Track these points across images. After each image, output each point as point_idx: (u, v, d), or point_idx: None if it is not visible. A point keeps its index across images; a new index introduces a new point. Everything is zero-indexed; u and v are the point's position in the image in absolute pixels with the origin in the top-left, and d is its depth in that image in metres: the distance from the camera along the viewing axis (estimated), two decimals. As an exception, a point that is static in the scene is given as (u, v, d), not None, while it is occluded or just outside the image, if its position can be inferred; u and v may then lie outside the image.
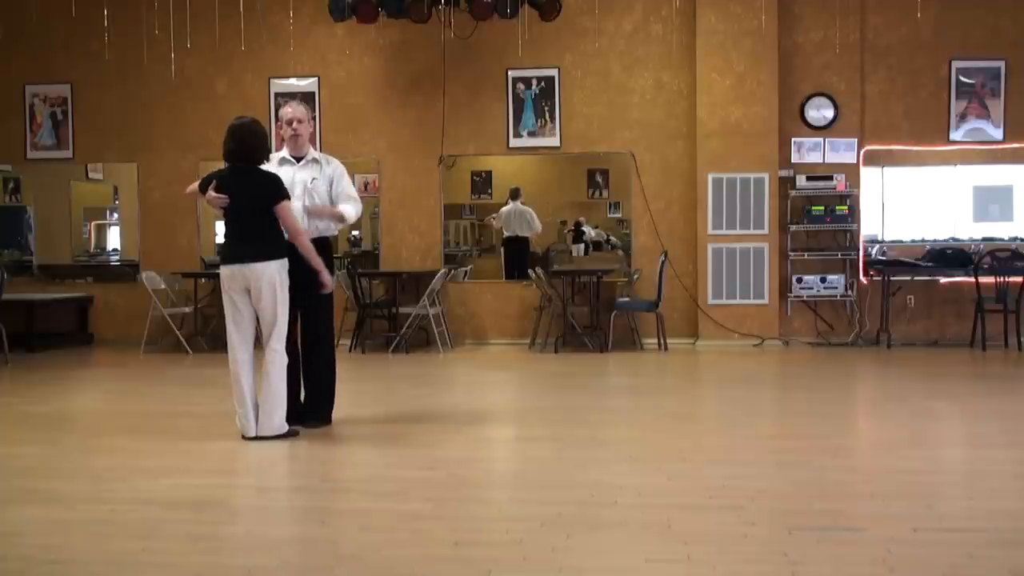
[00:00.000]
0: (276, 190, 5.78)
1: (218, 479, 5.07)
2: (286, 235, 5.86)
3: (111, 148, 11.59)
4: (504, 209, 12.39)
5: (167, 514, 4.33)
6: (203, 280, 10.75)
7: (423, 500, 4.50)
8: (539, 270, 10.53)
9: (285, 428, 5.82)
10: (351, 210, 6.17)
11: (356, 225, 12.27)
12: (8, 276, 10.31)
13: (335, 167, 6.23)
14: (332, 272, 6.42)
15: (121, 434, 6.19)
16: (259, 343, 5.87)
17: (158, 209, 11.47)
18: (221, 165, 5.89)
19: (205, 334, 10.67)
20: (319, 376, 6.18)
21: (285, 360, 5.83)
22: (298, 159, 6.20)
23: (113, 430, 6.42)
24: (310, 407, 6.16)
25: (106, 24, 10.62)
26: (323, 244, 6.18)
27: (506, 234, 12.45)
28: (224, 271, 5.79)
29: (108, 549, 3.87)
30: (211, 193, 5.78)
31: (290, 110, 6.22)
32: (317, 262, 5.91)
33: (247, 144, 5.75)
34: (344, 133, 11.16)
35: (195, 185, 5.98)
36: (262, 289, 5.71)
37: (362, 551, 3.82)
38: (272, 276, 5.72)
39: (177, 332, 10.43)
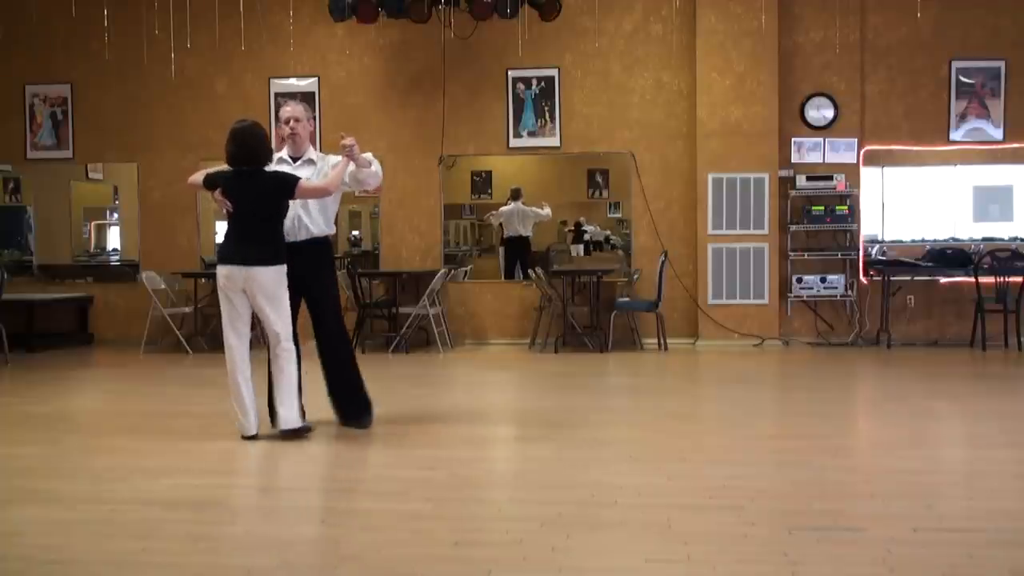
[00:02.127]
0: (283, 185, 5.78)
1: (218, 479, 5.07)
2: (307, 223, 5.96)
3: (111, 148, 11.59)
4: (505, 208, 12.41)
5: (167, 514, 4.33)
6: (203, 280, 10.73)
7: (423, 500, 4.50)
8: (539, 270, 10.53)
9: (300, 423, 5.82)
10: (376, 163, 6.12)
11: (356, 225, 12.29)
12: (8, 276, 10.31)
13: (332, 159, 6.14)
14: (332, 273, 6.39)
15: (121, 434, 6.19)
16: (259, 343, 5.87)
17: (158, 209, 11.47)
18: (221, 164, 5.89)
19: (205, 334, 10.67)
20: (345, 373, 6.14)
21: (295, 352, 5.83)
22: (296, 159, 6.18)
23: (113, 430, 6.42)
24: (347, 406, 6.15)
25: (106, 24, 10.62)
26: (323, 243, 6.16)
27: (506, 234, 12.46)
28: (222, 271, 5.78)
29: (108, 549, 3.87)
30: (218, 195, 5.79)
31: (288, 109, 6.20)
32: (360, 160, 5.94)
33: (248, 147, 5.75)
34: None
35: (198, 177, 5.96)
36: (259, 294, 5.70)
37: (362, 551, 3.82)
38: (270, 281, 5.71)
39: (177, 332, 10.43)
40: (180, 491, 4.73)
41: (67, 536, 4.05)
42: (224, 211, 5.84)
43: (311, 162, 6.18)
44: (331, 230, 6.24)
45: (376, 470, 5.31)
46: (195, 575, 3.56)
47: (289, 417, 5.77)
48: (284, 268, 5.79)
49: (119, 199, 12.30)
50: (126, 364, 9.78)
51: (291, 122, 6.11)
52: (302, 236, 6.04)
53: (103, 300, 11.59)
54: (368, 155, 6.13)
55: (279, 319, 5.77)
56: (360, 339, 10.44)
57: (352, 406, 6.17)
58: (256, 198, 5.75)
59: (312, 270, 6.05)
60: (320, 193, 5.92)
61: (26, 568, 3.66)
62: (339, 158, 6.05)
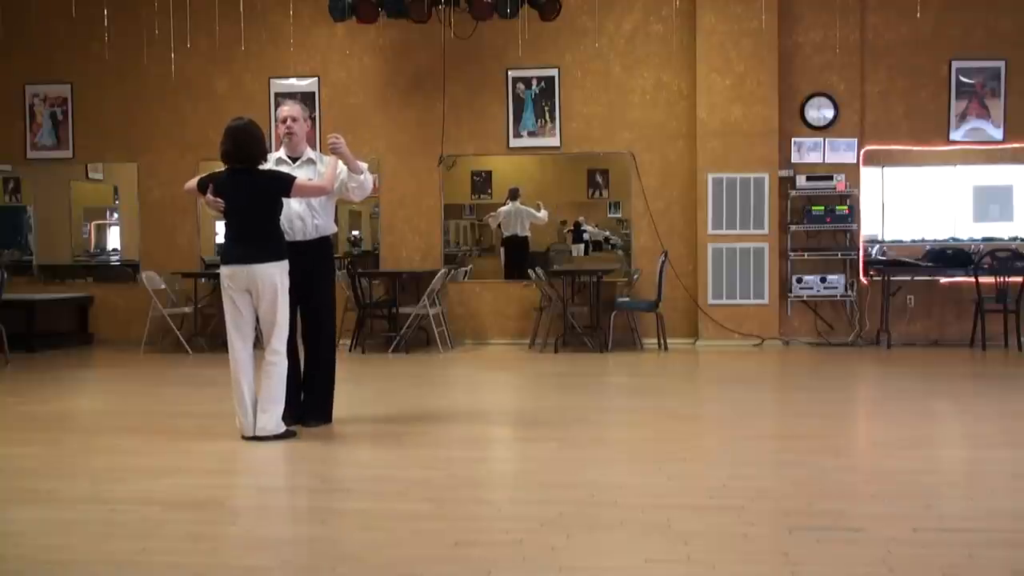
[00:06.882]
0: (280, 183, 5.78)
1: (218, 479, 5.08)
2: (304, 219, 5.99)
3: (111, 148, 11.59)
4: (503, 209, 12.40)
5: (167, 514, 4.33)
6: (203, 280, 10.75)
7: (423, 500, 4.50)
8: (539, 270, 10.53)
9: (282, 428, 5.82)
10: (368, 174, 6.14)
11: (356, 225, 12.29)
12: (8, 276, 10.30)
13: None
14: (332, 272, 6.40)
15: (121, 434, 6.19)
16: (259, 343, 5.87)
17: (158, 209, 11.47)
18: (221, 165, 5.89)
19: (205, 334, 10.66)
20: (321, 374, 6.17)
21: (285, 362, 5.83)
22: (294, 159, 6.18)
23: (113, 430, 6.41)
24: (310, 406, 6.16)
25: (106, 24, 10.63)
26: (324, 243, 6.17)
27: (505, 234, 12.46)
28: (225, 271, 5.79)
29: (108, 549, 3.87)
30: (209, 196, 5.80)
31: (286, 108, 6.21)
32: (352, 163, 5.99)
33: (243, 145, 5.74)
34: (344, 133, 11.03)
35: (193, 182, 5.99)
36: (263, 291, 5.71)
37: (362, 551, 3.82)
38: (273, 278, 5.72)
39: (177, 332, 10.43)
40: (180, 491, 4.73)
41: (67, 536, 4.04)
42: (219, 212, 5.84)
43: (311, 162, 6.19)
44: (334, 229, 6.27)
45: (376, 470, 5.30)
46: (195, 575, 3.56)
47: (267, 426, 5.76)
48: (286, 264, 5.79)
49: (119, 199, 12.30)
50: (126, 364, 9.77)
51: (288, 121, 6.12)
52: (310, 235, 6.06)
53: (103, 300, 11.58)
54: (363, 164, 6.14)
55: (277, 325, 5.76)
56: (360, 339, 10.45)
57: (314, 410, 6.15)
58: (252, 197, 5.75)
59: (316, 269, 6.06)
60: (317, 192, 5.93)
61: (26, 568, 3.66)
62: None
